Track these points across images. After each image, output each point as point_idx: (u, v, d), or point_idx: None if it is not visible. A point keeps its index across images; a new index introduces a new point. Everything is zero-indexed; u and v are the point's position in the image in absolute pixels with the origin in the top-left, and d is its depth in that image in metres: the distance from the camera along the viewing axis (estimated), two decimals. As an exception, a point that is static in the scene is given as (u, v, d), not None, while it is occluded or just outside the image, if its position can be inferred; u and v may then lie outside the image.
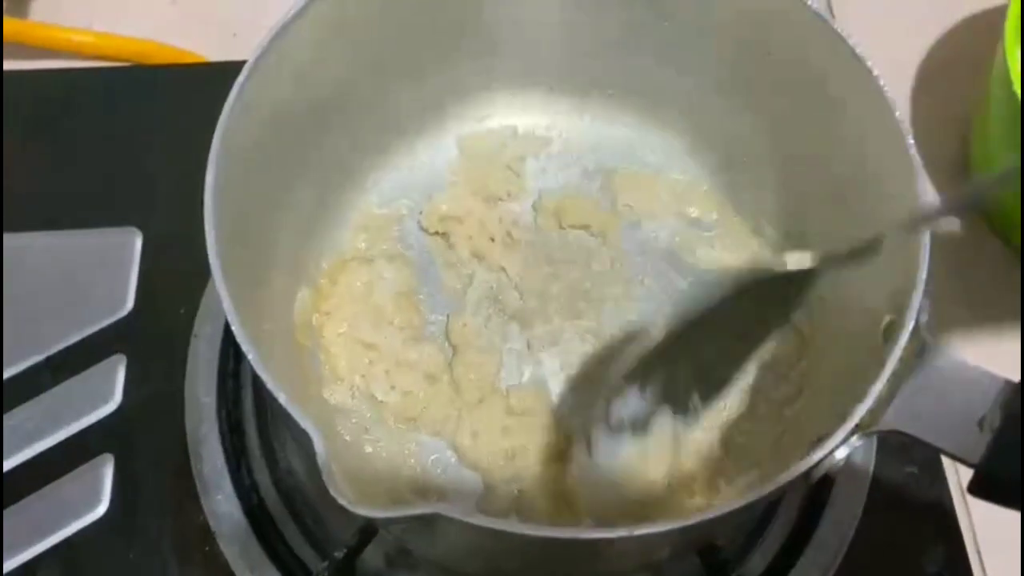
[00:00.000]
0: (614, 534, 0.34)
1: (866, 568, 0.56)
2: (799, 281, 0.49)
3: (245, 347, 0.38)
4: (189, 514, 0.55)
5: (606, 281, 0.61)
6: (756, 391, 0.55)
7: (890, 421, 0.38)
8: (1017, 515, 0.39)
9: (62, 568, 0.54)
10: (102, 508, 0.56)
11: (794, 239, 0.59)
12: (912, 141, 0.45)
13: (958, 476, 0.60)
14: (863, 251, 0.43)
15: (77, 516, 0.55)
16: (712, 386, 0.53)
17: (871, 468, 0.58)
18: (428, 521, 0.34)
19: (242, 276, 0.43)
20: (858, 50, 0.48)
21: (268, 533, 0.54)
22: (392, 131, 0.62)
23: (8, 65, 0.73)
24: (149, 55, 0.74)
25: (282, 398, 0.37)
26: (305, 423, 0.35)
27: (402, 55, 0.58)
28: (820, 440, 0.37)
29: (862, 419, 0.37)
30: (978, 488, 0.37)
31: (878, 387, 0.37)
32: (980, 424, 0.37)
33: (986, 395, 0.37)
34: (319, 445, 0.35)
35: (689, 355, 0.52)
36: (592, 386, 0.55)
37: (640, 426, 0.51)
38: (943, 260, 0.65)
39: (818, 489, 0.58)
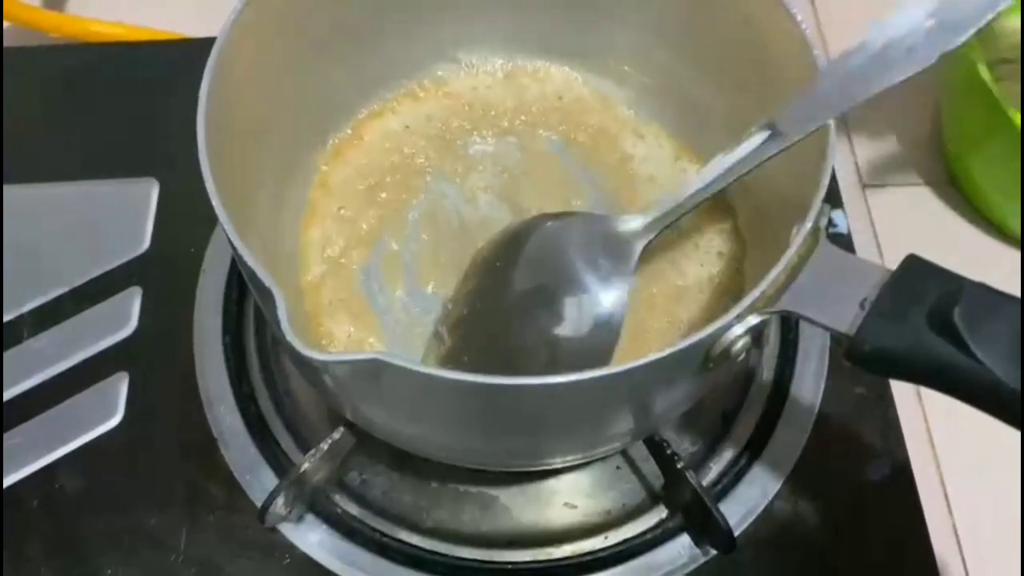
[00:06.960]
0: (531, 381, 0.38)
1: (816, 475, 0.60)
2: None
3: (221, 214, 0.42)
4: (194, 423, 0.60)
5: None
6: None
7: (784, 303, 0.41)
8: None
9: (80, 469, 0.59)
10: (117, 419, 0.61)
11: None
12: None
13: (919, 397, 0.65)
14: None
15: (94, 426, 0.60)
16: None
17: (822, 388, 0.63)
18: (373, 373, 0.38)
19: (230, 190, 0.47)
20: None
21: (264, 438, 0.60)
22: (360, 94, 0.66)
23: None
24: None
25: (250, 260, 0.40)
26: (268, 281, 0.39)
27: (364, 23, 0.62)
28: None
29: (757, 302, 0.41)
30: (851, 356, 0.40)
31: (773, 275, 0.41)
32: (861, 304, 0.40)
33: (870, 281, 0.41)
34: (279, 300, 0.38)
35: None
36: None
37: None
38: (923, 235, 0.71)
39: (771, 406, 0.62)
